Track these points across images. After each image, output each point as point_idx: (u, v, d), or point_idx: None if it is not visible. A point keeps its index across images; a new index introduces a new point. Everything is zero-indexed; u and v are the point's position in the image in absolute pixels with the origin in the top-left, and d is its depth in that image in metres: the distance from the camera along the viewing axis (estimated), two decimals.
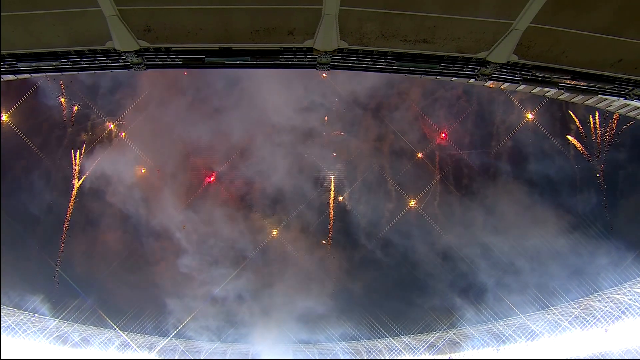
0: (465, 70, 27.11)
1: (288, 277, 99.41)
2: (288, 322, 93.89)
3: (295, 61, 26.43)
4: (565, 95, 33.50)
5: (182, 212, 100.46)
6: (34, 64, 26.55)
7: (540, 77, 27.11)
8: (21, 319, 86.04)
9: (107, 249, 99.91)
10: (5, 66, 26.69)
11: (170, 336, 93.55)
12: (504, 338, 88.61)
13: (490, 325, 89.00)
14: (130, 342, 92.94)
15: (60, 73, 28.70)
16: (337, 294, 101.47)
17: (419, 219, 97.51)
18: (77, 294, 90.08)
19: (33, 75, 30.57)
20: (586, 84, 27.41)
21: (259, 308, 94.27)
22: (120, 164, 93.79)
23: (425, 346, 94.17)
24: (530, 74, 26.87)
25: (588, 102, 35.30)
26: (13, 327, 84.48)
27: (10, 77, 31.39)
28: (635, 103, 32.26)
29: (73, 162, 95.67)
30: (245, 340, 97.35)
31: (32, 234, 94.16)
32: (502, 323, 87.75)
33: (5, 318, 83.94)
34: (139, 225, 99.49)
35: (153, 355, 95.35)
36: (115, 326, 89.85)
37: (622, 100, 32.30)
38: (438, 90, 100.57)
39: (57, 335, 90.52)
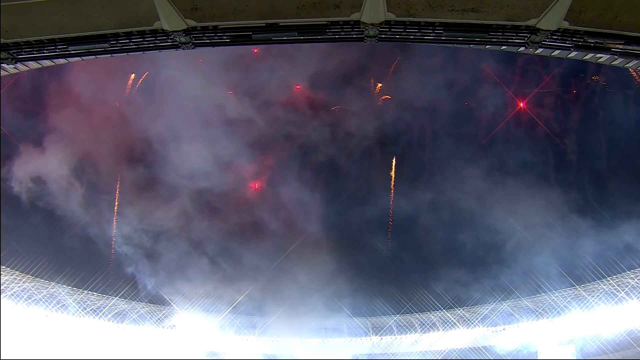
0: (515, 39, 26.62)
1: (338, 253, 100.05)
2: (339, 296, 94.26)
3: (342, 35, 26.22)
4: (618, 61, 32.51)
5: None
6: (84, 47, 26.89)
7: (592, 43, 26.44)
8: (81, 297, 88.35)
9: None
10: (57, 50, 27.10)
11: (226, 312, 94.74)
12: (558, 309, 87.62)
13: (545, 297, 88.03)
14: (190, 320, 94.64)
15: (110, 55, 29.03)
16: (385, 266, 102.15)
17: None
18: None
19: (84, 58, 30.94)
20: None
21: (309, 282, 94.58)
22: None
23: (479, 318, 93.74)
24: (582, 40, 26.24)
25: None
26: (74, 306, 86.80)
27: (62, 60, 31.92)
28: None
29: None
30: (306, 313, 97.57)
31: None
32: (556, 294, 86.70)
33: (66, 297, 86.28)
34: None
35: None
36: (173, 304, 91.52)
37: None
38: None
39: (116, 313, 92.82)
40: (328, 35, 26.15)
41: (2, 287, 78.66)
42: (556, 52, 30.69)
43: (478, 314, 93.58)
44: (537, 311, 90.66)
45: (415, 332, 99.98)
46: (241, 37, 26.07)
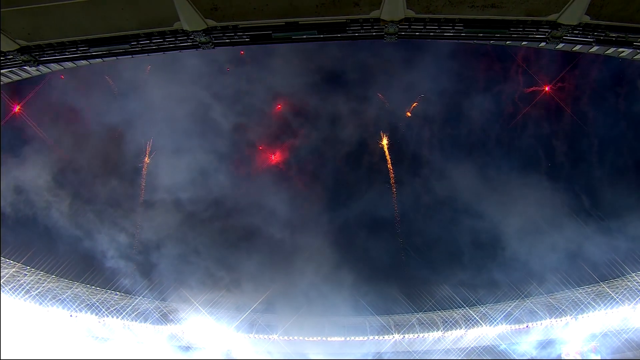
0: (536, 34, 26.38)
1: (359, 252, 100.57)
2: (360, 294, 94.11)
3: (362, 33, 26.10)
4: None
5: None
6: (105, 48, 27.04)
7: (614, 37, 26.17)
8: (105, 297, 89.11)
9: None
10: (79, 52, 27.27)
11: (249, 311, 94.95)
12: (582, 306, 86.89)
13: (569, 293, 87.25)
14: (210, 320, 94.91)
15: (130, 56, 29.17)
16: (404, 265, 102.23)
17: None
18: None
19: (105, 59, 31.15)
20: None
21: (334, 280, 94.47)
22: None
23: (502, 316, 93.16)
24: (603, 34, 25.97)
25: None
26: (98, 306, 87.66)
27: (84, 62, 32.09)
28: None
29: None
30: (328, 310, 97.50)
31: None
32: (580, 291, 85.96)
33: (90, 297, 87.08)
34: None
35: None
36: (198, 305, 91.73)
37: None
38: None
39: (139, 312, 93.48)
40: (348, 33, 26.07)
41: (27, 288, 79.49)
42: (577, 47, 30.45)
43: (500, 311, 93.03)
44: (560, 308, 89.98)
45: (438, 329, 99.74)
46: (261, 36, 26.06)
